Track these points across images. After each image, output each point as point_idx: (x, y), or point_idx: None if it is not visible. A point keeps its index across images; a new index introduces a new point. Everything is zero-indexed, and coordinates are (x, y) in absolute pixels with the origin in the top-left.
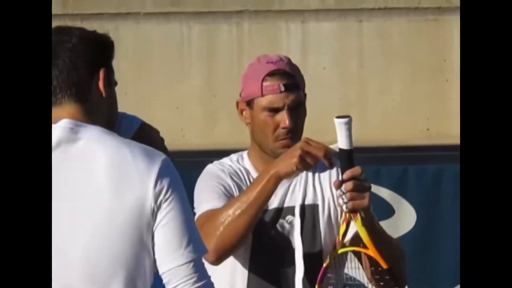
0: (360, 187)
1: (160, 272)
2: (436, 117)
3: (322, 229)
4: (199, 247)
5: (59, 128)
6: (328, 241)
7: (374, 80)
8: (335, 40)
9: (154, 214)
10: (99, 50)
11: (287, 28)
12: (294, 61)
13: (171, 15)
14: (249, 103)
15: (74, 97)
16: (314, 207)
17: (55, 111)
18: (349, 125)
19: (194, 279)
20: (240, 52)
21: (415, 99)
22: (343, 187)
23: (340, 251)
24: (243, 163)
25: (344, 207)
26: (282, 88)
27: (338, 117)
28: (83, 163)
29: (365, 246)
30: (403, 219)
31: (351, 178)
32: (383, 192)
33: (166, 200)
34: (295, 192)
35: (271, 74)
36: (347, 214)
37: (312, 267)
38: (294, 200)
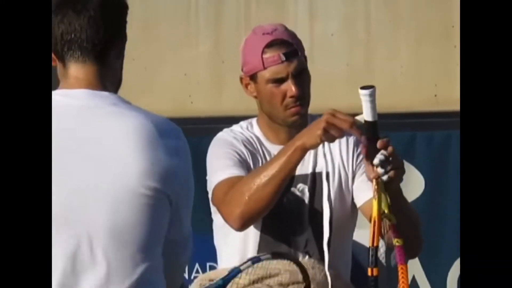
0: (395, 156)
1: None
2: (443, 83)
3: (333, 196)
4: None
5: (82, 94)
6: (338, 208)
7: (381, 46)
8: (343, 6)
9: (176, 186)
10: (121, 13)
11: None
12: (301, 27)
13: None
14: (253, 77)
15: (95, 58)
16: (325, 175)
17: (74, 68)
18: (373, 96)
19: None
20: (248, 18)
21: (423, 66)
22: (383, 154)
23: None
24: (253, 130)
25: (385, 177)
26: (283, 58)
27: (363, 87)
28: (108, 128)
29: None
30: (411, 186)
31: (387, 146)
32: None
33: (185, 173)
34: (305, 160)
35: (269, 45)
36: (377, 183)
37: (321, 235)
38: (306, 168)
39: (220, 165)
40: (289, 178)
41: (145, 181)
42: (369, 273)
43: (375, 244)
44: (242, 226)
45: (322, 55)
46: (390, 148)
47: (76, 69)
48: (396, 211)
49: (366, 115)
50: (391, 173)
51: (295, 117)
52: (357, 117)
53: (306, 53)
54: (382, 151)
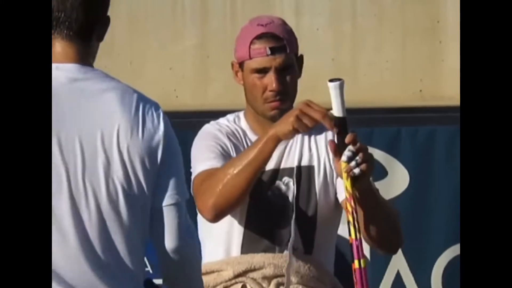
0: (364, 150)
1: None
2: (429, 79)
3: (318, 190)
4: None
5: (73, 68)
6: (323, 202)
7: (367, 42)
8: (329, 1)
9: (159, 158)
10: None
11: None
12: (287, 22)
13: None
14: (241, 65)
15: (81, 38)
16: (310, 168)
17: (60, 45)
18: (341, 89)
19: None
20: (234, 13)
21: (408, 61)
22: (350, 149)
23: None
24: (239, 123)
25: (356, 170)
26: (268, 52)
27: (331, 80)
28: (98, 101)
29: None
30: (396, 181)
31: (354, 141)
32: (376, 154)
33: (168, 147)
34: (291, 153)
35: (258, 37)
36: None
37: (306, 228)
38: (291, 162)
39: (201, 157)
40: (262, 168)
41: (130, 140)
42: (356, 265)
43: (358, 237)
44: (214, 218)
45: (307, 50)
46: (358, 144)
47: (62, 46)
48: (368, 208)
49: (334, 110)
50: (362, 166)
51: (273, 112)
52: (330, 112)
53: None
54: (350, 147)
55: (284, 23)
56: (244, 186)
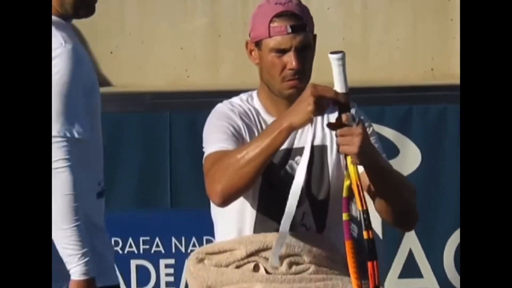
0: (345, 132)
1: None
2: (440, 57)
3: (330, 170)
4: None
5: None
6: (335, 181)
7: (378, 20)
8: None
9: None
10: None
11: None
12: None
13: None
14: (258, 44)
15: None
16: (323, 148)
17: None
18: (342, 61)
19: None
20: None
21: (419, 39)
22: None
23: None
24: (252, 102)
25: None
26: (289, 30)
27: (332, 52)
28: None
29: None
30: (407, 159)
31: (339, 124)
32: (387, 132)
33: None
34: (303, 133)
35: (278, 15)
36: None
37: (318, 208)
38: (304, 141)
39: (213, 138)
40: (271, 157)
41: None
42: (365, 236)
43: (364, 207)
44: (222, 203)
45: (318, 29)
46: (344, 128)
47: None
48: (377, 184)
49: (337, 86)
50: (340, 148)
51: (291, 90)
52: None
53: None
54: (338, 130)
55: (300, 2)
56: (254, 174)
